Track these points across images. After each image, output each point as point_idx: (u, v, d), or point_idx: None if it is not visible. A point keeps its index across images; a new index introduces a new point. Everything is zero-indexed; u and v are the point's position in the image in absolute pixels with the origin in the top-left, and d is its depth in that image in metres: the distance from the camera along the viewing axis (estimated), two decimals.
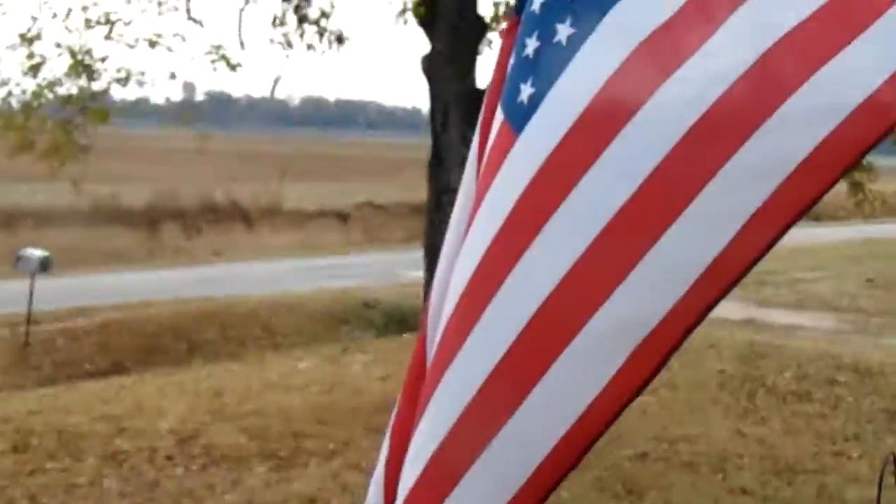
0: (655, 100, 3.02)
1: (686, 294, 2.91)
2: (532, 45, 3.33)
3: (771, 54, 2.98)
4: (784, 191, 2.85)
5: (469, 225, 3.42)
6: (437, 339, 3.42)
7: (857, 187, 19.30)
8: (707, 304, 2.94)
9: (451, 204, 13.40)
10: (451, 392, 3.21)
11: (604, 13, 3.17)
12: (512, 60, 3.47)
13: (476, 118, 12.97)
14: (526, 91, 3.26)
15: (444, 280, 3.51)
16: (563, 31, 3.23)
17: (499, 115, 3.45)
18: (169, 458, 14.50)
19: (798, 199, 2.87)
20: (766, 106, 2.92)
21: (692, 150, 2.95)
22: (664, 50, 3.09)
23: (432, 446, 3.24)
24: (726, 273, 2.91)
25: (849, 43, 2.94)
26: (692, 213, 2.91)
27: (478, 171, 3.54)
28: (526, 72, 3.28)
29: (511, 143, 3.29)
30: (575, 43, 3.20)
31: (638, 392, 3.02)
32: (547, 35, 3.27)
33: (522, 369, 3.06)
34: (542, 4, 3.33)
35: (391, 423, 3.82)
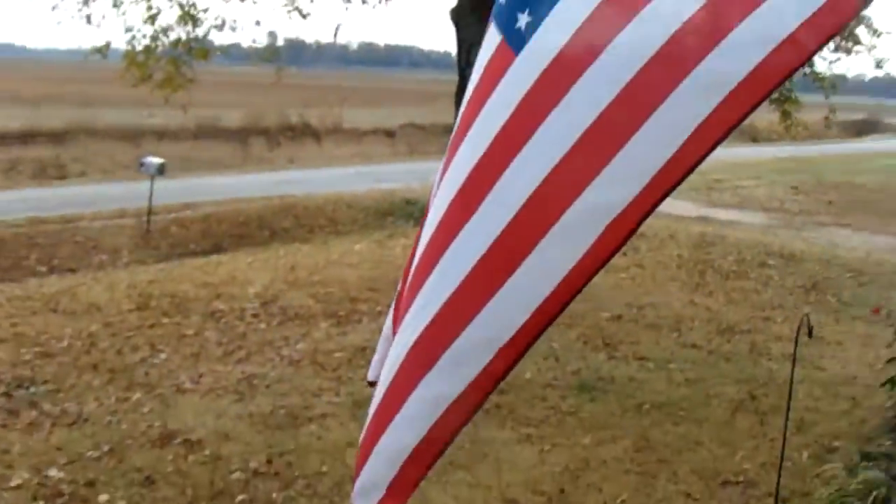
0: (624, 33, 3.11)
1: (646, 186, 3.01)
2: None
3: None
4: (724, 105, 2.95)
5: (458, 139, 3.47)
6: (438, 220, 3.43)
7: (786, 115, 19.27)
8: (661, 194, 3.03)
9: None
10: (455, 262, 3.27)
11: None
12: None
13: None
14: (523, 19, 3.32)
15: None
16: None
17: (496, 38, 3.46)
18: (255, 315, 14.68)
19: (735, 112, 2.96)
20: (711, 39, 3.02)
21: (654, 72, 3.05)
22: None
23: (435, 306, 3.29)
24: (677, 170, 2.99)
25: (753, 10, 2.99)
26: (653, 123, 3.01)
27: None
28: (523, 4, 3.30)
29: (510, 61, 3.32)
30: None
31: (605, 261, 3.10)
32: None
33: (519, 240, 3.13)
34: None
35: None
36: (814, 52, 3.06)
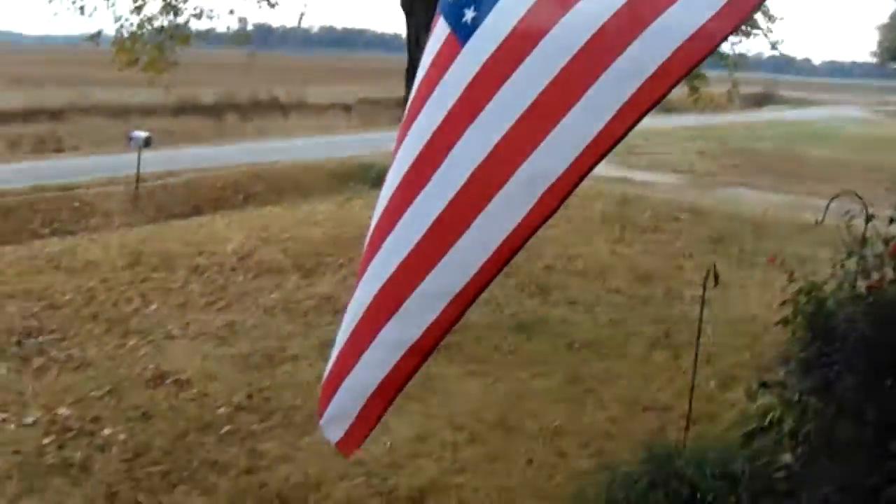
0: (559, 26, 3.18)
1: (578, 156, 3.07)
2: None
3: None
4: (645, 87, 3.02)
5: (409, 122, 3.55)
6: (393, 190, 3.51)
7: (694, 90, 19.40)
8: (592, 163, 3.10)
9: None
10: (412, 225, 3.35)
11: None
12: None
13: None
14: (469, 14, 3.38)
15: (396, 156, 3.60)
16: None
17: (444, 30, 3.52)
18: (233, 269, 14.71)
19: (654, 93, 3.02)
20: (632, 32, 3.08)
21: (584, 60, 3.11)
22: None
23: (395, 263, 3.37)
24: (604, 142, 3.06)
25: None
26: (584, 102, 3.08)
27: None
28: (469, 1, 3.36)
29: (457, 51, 3.39)
30: None
31: (543, 222, 3.17)
32: None
33: (469, 205, 3.20)
34: None
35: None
36: (721, 41, 3.15)
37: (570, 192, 3.13)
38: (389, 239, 3.41)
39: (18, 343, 10.90)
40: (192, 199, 23.68)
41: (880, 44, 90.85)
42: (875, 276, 7.61)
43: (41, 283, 13.53)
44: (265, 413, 9.16)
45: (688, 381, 10.01)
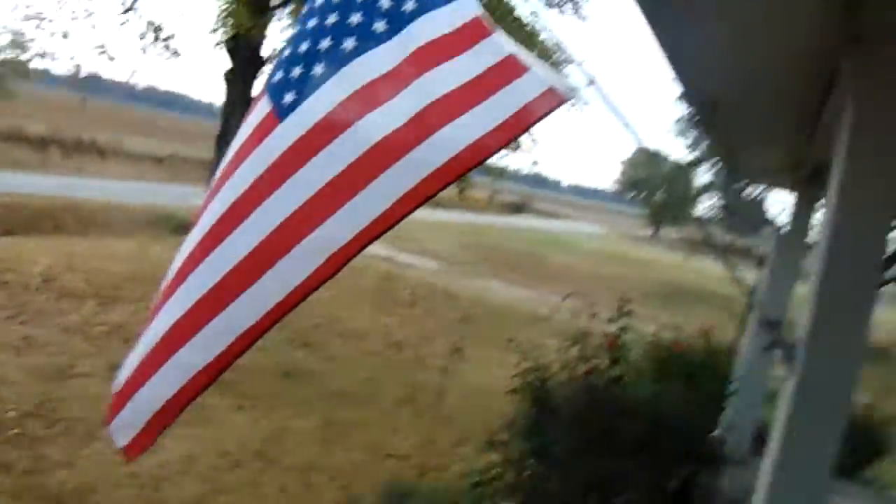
0: (362, 121, 3.30)
1: (361, 230, 3.17)
2: (297, 71, 3.54)
3: (430, 107, 3.28)
4: (423, 182, 3.16)
5: (221, 182, 3.59)
6: (197, 241, 3.52)
7: (462, 190, 19.86)
8: (371, 237, 3.20)
9: None
10: (209, 271, 3.38)
11: (341, 66, 3.43)
12: (278, 76, 3.62)
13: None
14: (290, 97, 3.46)
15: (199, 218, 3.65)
16: (319, 69, 3.47)
17: (266, 106, 3.58)
18: (37, 289, 14.24)
19: (430, 187, 3.17)
20: (423, 134, 3.23)
21: (377, 152, 3.23)
22: (369, 96, 3.35)
23: (193, 299, 3.40)
24: (385, 222, 3.17)
25: (477, 104, 3.25)
26: (373, 186, 3.20)
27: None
28: (291, 86, 3.49)
29: (274, 126, 3.47)
30: (322, 79, 3.44)
31: (322, 282, 3.25)
32: (308, 68, 3.50)
33: (262, 259, 3.25)
34: (303, 52, 3.59)
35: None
36: (492, 154, 3.36)
37: (348, 261, 3.23)
38: (190, 278, 3.45)
39: None
40: (5, 222, 22.77)
41: (623, 174, 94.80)
42: (592, 363, 8.10)
43: None
44: (52, 421, 8.90)
45: (426, 436, 10.33)
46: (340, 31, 3.54)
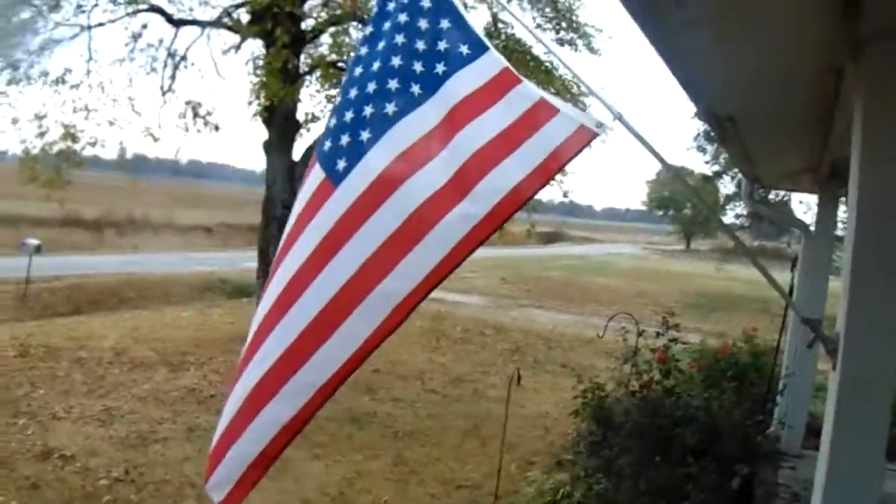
0: (411, 180, 3.47)
1: (422, 280, 3.34)
2: (345, 139, 3.69)
3: (471, 160, 3.44)
4: (473, 231, 3.31)
5: (287, 247, 3.73)
6: (271, 303, 3.67)
7: (501, 227, 19.78)
8: (430, 287, 3.37)
9: (277, 226, 13.58)
10: (288, 328, 3.53)
11: (385, 131, 3.58)
12: (328, 144, 3.77)
13: (292, 180, 13.18)
14: (341, 164, 3.63)
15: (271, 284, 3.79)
16: (365, 135, 3.62)
17: (319, 175, 3.74)
18: (110, 363, 14.46)
19: (481, 233, 3.32)
20: (466, 187, 3.39)
21: (430, 207, 3.40)
22: (416, 154, 3.52)
23: (274, 357, 3.55)
24: (442, 270, 3.34)
25: (512, 153, 3.40)
26: (424, 243, 3.37)
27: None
28: (341, 154, 3.65)
29: (330, 193, 3.62)
30: (369, 145, 3.59)
31: (391, 332, 3.40)
32: (355, 135, 3.65)
33: (334, 315, 3.42)
34: (350, 119, 3.73)
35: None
36: (532, 195, 3.46)
37: (411, 311, 3.38)
38: (269, 339, 3.59)
39: None
40: (73, 301, 23.12)
41: (649, 195, 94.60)
42: (645, 377, 8.16)
43: None
44: (140, 485, 9.10)
45: (494, 465, 10.37)
46: (381, 97, 3.68)
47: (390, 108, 3.63)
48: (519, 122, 3.49)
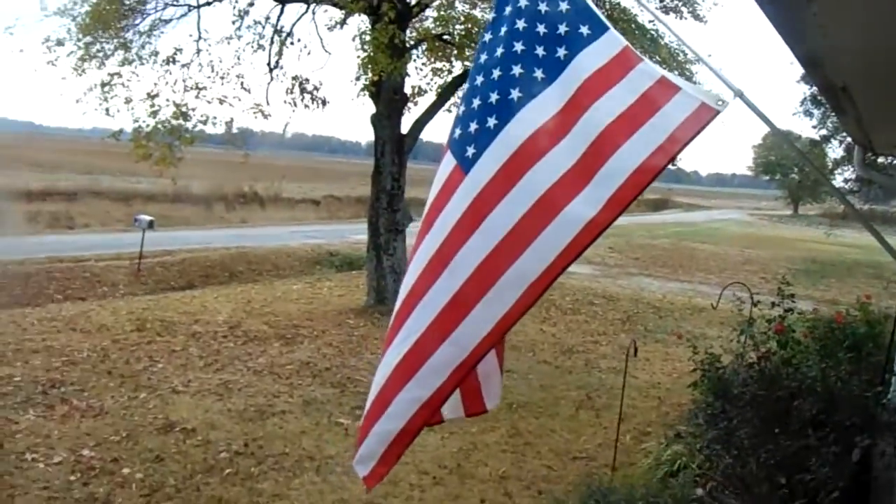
0: (535, 167, 3.48)
1: (554, 259, 3.34)
2: (473, 126, 3.69)
3: (596, 141, 3.43)
4: (600, 213, 3.30)
5: (423, 234, 3.77)
6: (413, 282, 3.73)
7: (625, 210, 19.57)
8: (559, 270, 3.39)
9: (387, 199, 13.53)
10: (427, 308, 3.59)
11: (511, 116, 3.58)
12: (458, 132, 3.79)
13: (400, 153, 13.23)
14: (470, 151, 3.65)
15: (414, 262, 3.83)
16: (492, 121, 3.63)
17: (451, 162, 3.77)
18: (224, 336, 14.73)
19: (606, 217, 3.30)
20: (592, 169, 3.39)
21: (554, 195, 3.41)
22: (542, 139, 3.52)
23: (414, 338, 3.60)
24: (570, 255, 3.35)
25: (633, 133, 3.38)
26: (553, 225, 3.38)
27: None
28: (470, 140, 3.66)
29: (460, 181, 3.66)
30: (496, 130, 3.61)
31: (519, 317, 3.44)
32: (482, 122, 3.65)
33: (468, 297, 3.45)
34: (477, 107, 3.73)
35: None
36: (657, 174, 3.38)
37: (544, 290, 3.40)
38: (409, 320, 3.65)
39: (44, 392, 10.88)
40: (185, 275, 23.59)
41: (755, 160, 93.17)
42: (762, 349, 7.96)
43: (61, 341, 13.51)
44: (260, 458, 9.21)
45: (608, 436, 10.26)
46: (506, 83, 3.68)
47: (515, 94, 3.64)
48: (640, 100, 3.48)
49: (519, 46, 3.69)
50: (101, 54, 16.80)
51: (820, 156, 34.39)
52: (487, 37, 3.89)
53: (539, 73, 3.63)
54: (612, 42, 3.65)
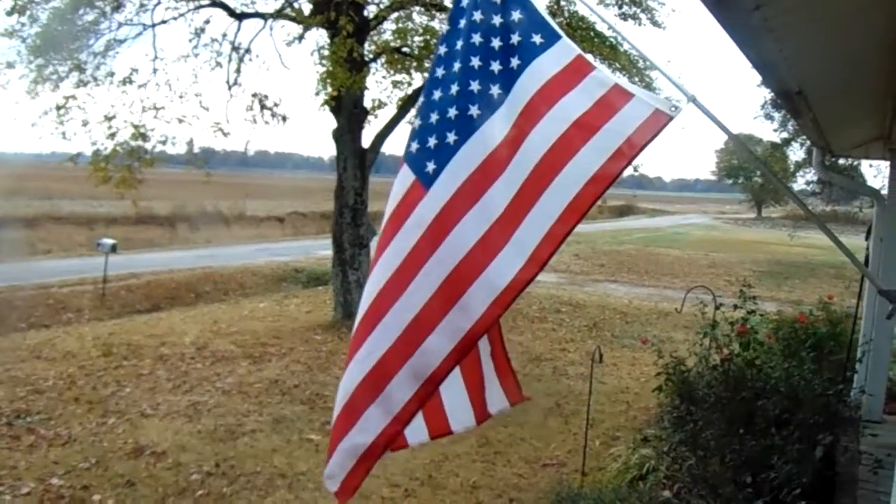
0: (495, 184, 3.54)
1: (522, 267, 3.38)
2: (432, 141, 3.73)
3: (550, 152, 3.45)
4: (556, 224, 3.33)
5: (382, 248, 3.78)
6: (369, 303, 3.74)
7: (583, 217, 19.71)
8: (535, 272, 3.40)
9: (350, 214, 13.59)
10: (390, 324, 3.63)
11: (470, 134, 3.63)
12: (415, 146, 3.81)
13: (363, 167, 13.32)
14: (431, 166, 3.68)
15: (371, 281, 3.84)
16: (451, 137, 3.67)
17: (410, 177, 3.79)
18: (192, 358, 14.70)
19: (563, 228, 3.34)
20: (545, 182, 3.42)
21: (512, 209, 3.45)
22: (500, 156, 3.55)
23: (377, 355, 3.63)
24: (530, 269, 3.37)
25: (588, 140, 3.40)
26: (514, 239, 3.42)
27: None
28: (429, 156, 3.69)
29: (421, 196, 3.68)
30: (456, 147, 3.65)
31: (490, 327, 3.56)
32: (441, 137, 3.70)
33: (435, 310, 3.50)
34: (436, 121, 3.78)
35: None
36: (613, 181, 3.39)
37: (510, 302, 3.42)
38: (372, 336, 3.67)
39: (9, 423, 10.81)
40: (151, 298, 23.40)
41: (718, 164, 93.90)
42: (725, 350, 8.10)
43: (25, 370, 13.41)
44: (232, 478, 9.22)
45: (577, 442, 10.35)
46: (464, 99, 3.72)
47: (474, 111, 3.68)
48: (594, 108, 3.50)
49: (476, 62, 3.73)
50: (54, 77, 16.63)
51: (781, 159, 34.81)
52: (443, 50, 3.92)
53: (496, 90, 3.67)
54: (565, 50, 3.69)
